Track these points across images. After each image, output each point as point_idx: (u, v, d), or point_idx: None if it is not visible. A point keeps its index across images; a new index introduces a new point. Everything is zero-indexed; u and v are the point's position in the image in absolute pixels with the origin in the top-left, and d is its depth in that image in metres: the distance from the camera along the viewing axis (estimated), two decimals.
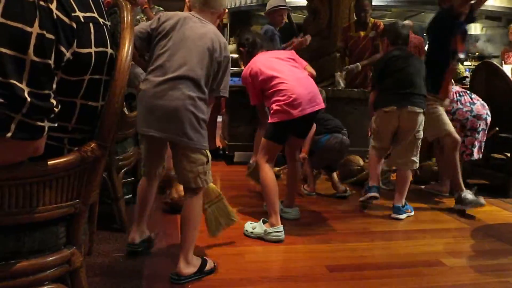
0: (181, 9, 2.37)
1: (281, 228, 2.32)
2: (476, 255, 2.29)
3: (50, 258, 1.02)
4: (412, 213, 2.95)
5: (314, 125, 2.96)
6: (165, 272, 1.86)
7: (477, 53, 10.77)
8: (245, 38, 2.67)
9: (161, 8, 4.95)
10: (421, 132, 2.89)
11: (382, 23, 4.44)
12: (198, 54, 1.82)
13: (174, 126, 1.77)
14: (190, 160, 1.81)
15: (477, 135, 3.28)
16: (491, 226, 2.79)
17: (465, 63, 9.41)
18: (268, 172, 2.38)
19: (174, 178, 2.46)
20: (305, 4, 4.99)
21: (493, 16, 9.34)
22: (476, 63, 8.95)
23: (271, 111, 2.40)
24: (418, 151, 2.91)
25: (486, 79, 3.67)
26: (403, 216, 2.87)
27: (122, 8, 1.16)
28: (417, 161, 2.92)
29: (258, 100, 2.60)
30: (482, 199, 2.96)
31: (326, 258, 2.15)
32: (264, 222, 2.38)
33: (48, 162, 0.95)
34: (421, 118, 2.83)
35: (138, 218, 2.05)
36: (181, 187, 2.35)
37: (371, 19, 4.45)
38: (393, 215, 2.86)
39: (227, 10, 2.37)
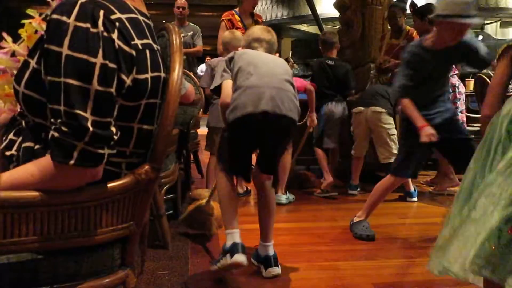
0: (210, 25, 2.56)
1: None
2: None
3: (107, 280, 1.04)
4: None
5: None
6: None
7: None
8: None
9: (197, 27, 5.12)
10: (393, 129, 3.41)
11: (415, 31, 4.34)
12: None
13: None
14: None
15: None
16: None
17: None
18: None
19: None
20: (336, 16, 4.96)
21: None
22: None
23: None
24: (397, 145, 3.35)
25: None
26: (415, 198, 3.46)
27: (171, 31, 1.19)
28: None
29: None
30: None
31: (373, 275, 2.09)
32: None
33: (105, 186, 0.97)
34: (385, 117, 3.39)
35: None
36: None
37: (407, 26, 4.34)
38: (408, 199, 3.44)
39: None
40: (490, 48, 3.56)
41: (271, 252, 2.07)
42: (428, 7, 3.67)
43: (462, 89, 3.70)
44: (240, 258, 1.86)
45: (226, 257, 1.88)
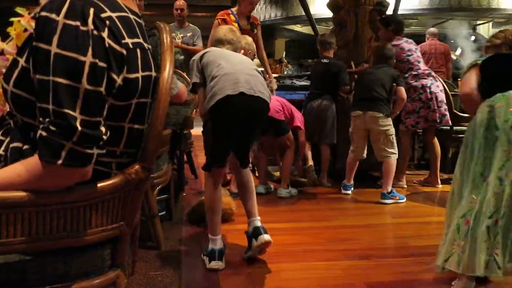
0: (203, 26, 2.64)
1: None
2: None
3: (97, 281, 1.02)
4: (402, 200, 3.39)
5: None
6: None
7: None
8: None
9: (197, 28, 5.11)
10: (391, 130, 3.43)
11: None
12: None
13: None
14: None
15: None
16: None
17: None
18: None
19: None
20: (329, 17, 4.97)
21: None
22: None
23: None
24: (394, 144, 3.44)
25: None
26: (388, 201, 3.33)
27: (162, 30, 1.18)
28: (395, 152, 3.44)
29: None
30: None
31: (367, 275, 2.09)
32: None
33: (95, 185, 0.96)
34: (383, 120, 3.39)
35: None
36: None
37: None
38: (380, 200, 3.34)
39: None
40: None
41: (258, 223, 2.15)
42: (393, 18, 3.88)
43: (434, 88, 3.75)
44: (216, 265, 2.08)
45: (205, 259, 2.13)
